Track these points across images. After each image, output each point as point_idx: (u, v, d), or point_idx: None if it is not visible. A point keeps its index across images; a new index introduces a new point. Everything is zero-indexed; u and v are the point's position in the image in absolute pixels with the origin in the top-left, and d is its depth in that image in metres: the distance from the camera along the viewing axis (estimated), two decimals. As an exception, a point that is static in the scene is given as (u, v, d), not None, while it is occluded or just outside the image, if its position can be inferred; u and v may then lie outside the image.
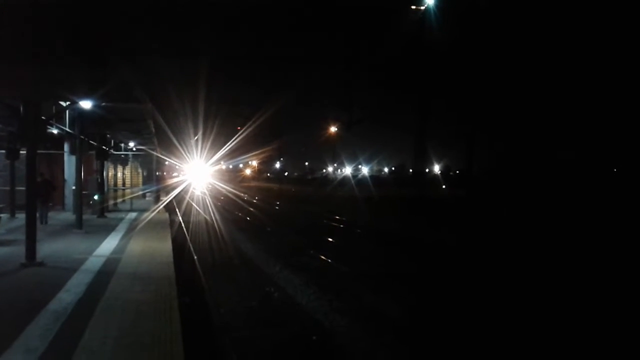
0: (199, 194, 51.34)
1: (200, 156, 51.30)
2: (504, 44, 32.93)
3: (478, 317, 9.73)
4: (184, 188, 51.41)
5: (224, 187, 62.35)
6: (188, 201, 39.85)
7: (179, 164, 53.22)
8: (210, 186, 65.12)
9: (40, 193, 17.89)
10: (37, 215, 17.94)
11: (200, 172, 61.63)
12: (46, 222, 18.54)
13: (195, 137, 42.43)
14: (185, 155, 44.45)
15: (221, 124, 48.40)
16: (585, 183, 37.55)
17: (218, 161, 63.33)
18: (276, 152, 75.26)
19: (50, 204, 20.49)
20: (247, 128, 47.66)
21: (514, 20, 32.78)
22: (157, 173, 40.02)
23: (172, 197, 37.25)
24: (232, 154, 62.45)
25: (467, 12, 31.12)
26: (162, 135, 26.96)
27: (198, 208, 34.55)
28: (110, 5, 12.46)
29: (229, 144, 52.14)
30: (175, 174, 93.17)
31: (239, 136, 50.15)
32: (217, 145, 51.88)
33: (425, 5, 31.61)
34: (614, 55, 31.64)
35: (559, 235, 19.32)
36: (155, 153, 32.84)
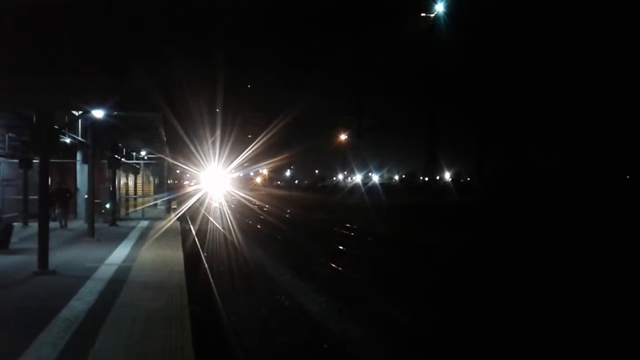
0: (217, 205, 47.48)
1: (217, 163, 50.08)
2: (512, 48, 32.81)
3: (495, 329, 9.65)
4: (199, 197, 48.76)
5: (237, 194, 61.99)
6: (200, 209, 39.77)
7: (194, 171, 52.33)
8: (228, 195, 62.04)
9: (60, 200, 20.51)
10: (56, 219, 20.40)
11: (216, 180, 59.09)
12: (66, 226, 20.44)
13: (212, 138, 42.01)
14: (201, 163, 44.14)
15: (237, 133, 48.24)
16: (595, 188, 37.16)
17: (231, 170, 62.22)
18: (287, 160, 75.33)
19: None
20: (262, 138, 47.30)
21: (520, 24, 32.69)
22: (169, 181, 39.99)
23: (185, 208, 36.76)
24: (245, 163, 62.09)
25: (476, 19, 31.12)
26: (178, 141, 27.07)
27: (209, 215, 34.60)
28: (127, 11, 12.55)
29: (244, 153, 51.99)
30: (187, 182, 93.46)
31: (253, 146, 49.87)
32: (231, 154, 51.53)
33: (435, 13, 31.68)
34: (616, 60, 31.39)
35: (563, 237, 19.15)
36: (167, 159, 32.81)
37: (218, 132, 40.73)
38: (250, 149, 49.91)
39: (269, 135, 44.83)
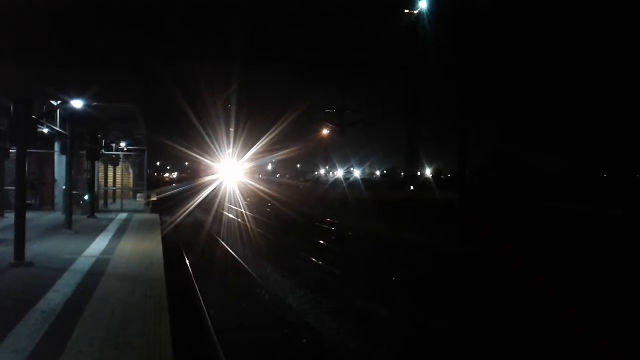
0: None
1: (216, 155, 46.17)
2: (497, 45, 33.11)
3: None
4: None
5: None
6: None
7: (185, 159, 49.20)
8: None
9: (33, 190, 22.77)
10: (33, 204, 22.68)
11: (214, 174, 50.84)
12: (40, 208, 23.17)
13: (227, 105, 39.71)
14: (196, 153, 42.07)
15: (225, 127, 47.23)
16: (573, 188, 37.76)
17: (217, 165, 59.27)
18: (269, 155, 74.86)
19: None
20: (263, 141, 46.09)
21: (507, 22, 33.01)
22: (148, 171, 38.75)
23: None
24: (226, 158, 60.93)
25: (460, 16, 31.30)
26: (170, 127, 26.64)
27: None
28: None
29: (248, 152, 51.13)
30: (167, 175, 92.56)
31: (255, 148, 48.80)
32: (220, 149, 49.99)
33: (419, 10, 31.78)
34: (610, 59, 31.94)
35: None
36: (155, 138, 31.69)
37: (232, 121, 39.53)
38: (253, 149, 49.02)
39: (268, 139, 44.17)
